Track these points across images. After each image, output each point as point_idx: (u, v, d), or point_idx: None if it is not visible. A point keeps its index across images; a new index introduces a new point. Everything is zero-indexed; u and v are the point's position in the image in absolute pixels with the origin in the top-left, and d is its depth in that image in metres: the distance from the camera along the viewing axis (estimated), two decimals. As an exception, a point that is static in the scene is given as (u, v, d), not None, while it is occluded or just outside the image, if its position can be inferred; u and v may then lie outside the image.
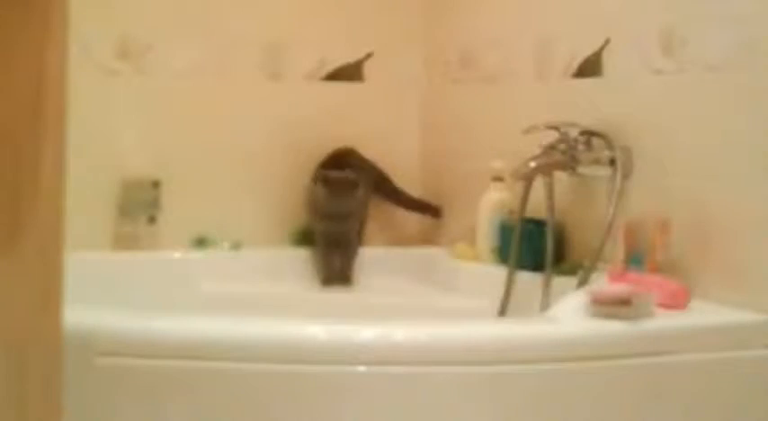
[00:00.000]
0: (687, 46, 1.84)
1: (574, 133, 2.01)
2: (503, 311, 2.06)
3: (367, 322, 1.59)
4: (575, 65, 2.12)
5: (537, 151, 2.02)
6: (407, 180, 2.59)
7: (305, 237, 2.46)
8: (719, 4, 1.78)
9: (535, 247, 2.06)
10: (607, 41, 2.04)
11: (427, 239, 2.55)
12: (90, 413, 1.45)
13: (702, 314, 1.69)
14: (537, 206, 2.06)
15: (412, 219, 2.58)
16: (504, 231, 2.19)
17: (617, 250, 1.89)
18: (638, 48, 1.95)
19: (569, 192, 2.09)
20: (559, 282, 1.98)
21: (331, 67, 2.54)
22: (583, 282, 1.88)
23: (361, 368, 1.49)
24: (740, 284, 1.71)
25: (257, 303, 2.20)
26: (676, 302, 1.69)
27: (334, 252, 2.30)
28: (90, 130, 2.21)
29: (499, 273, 2.11)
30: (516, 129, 2.08)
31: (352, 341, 1.52)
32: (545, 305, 1.96)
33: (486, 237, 2.26)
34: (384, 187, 2.44)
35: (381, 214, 2.55)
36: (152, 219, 2.35)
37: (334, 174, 2.16)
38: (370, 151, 2.55)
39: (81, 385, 1.41)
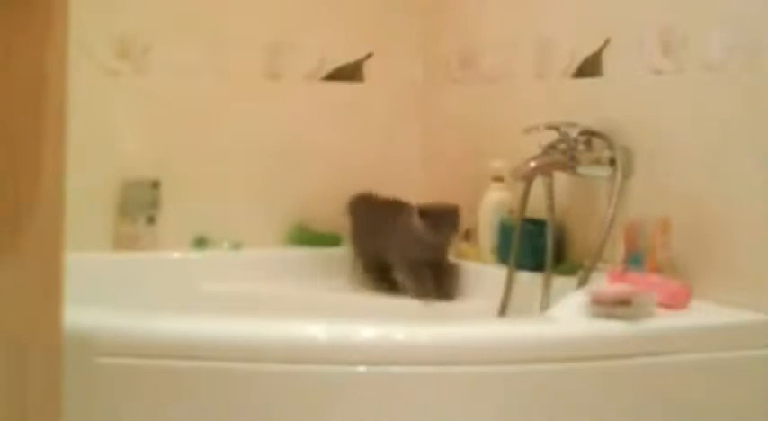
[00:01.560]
0: (687, 46, 1.84)
1: (574, 133, 2.01)
2: (503, 311, 2.06)
3: (367, 322, 1.59)
4: (575, 65, 2.12)
5: (537, 151, 2.02)
6: (408, 180, 2.59)
7: (301, 237, 2.47)
8: (719, 4, 1.78)
9: (535, 247, 2.06)
10: (607, 41, 2.04)
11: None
12: (90, 413, 1.45)
13: (702, 314, 1.69)
14: (537, 206, 2.06)
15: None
16: (504, 231, 2.19)
17: (617, 250, 1.89)
18: (638, 48, 1.95)
19: (569, 192, 2.09)
20: (559, 282, 1.98)
21: (331, 67, 2.54)
22: (583, 282, 1.88)
23: (361, 368, 1.49)
24: (740, 284, 1.71)
25: (257, 303, 2.19)
26: (676, 302, 1.69)
27: (425, 274, 2.26)
28: (90, 130, 2.21)
29: (499, 272, 2.11)
30: (516, 129, 2.08)
31: (352, 341, 1.52)
32: (545, 305, 1.96)
33: (486, 237, 2.26)
34: None
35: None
36: (152, 220, 2.35)
37: (433, 207, 2.21)
38: (371, 151, 2.56)
39: (81, 385, 1.41)
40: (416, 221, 2.18)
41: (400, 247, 2.27)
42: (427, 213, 2.19)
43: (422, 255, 2.24)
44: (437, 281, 2.25)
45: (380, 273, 2.34)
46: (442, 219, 2.19)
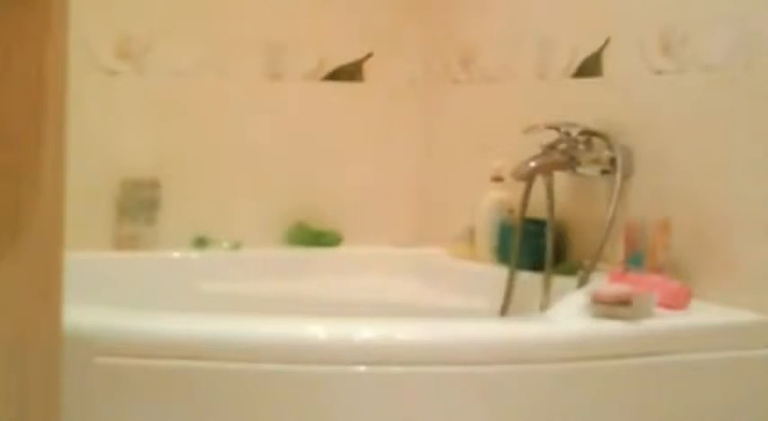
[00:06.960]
0: (687, 46, 1.84)
1: (574, 133, 2.01)
2: (503, 311, 2.06)
3: (367, 322, 1.59)
4: (575, 65, 2.12)
5: (537, 151, 2.02)
6: (407, 180, 2.59)
7: (301, 237, 2.47)
8: (719, 4, 1.78)
9: (535, 247, 2.06)
10: (607, 41, 2.04)
11: (427, 239, 2.55)
12: (90, 413, 1.45)
13: (702, 314, 1.69)
14: (537, 206, 2.06)
15: (411, 219, 2.58)
16: (504, 231, 2.19)
17: (617, 250, 1.89)
18: (638, 48, 1.95)
19: (569, 192, 2.09)
20: (559, 282, 1.98)
21: (331, 67, 2.54)
22: (583, 282, 1.88)
23: (361, 368, 1.49)
24: (740, 284, 1.71)
25: (257, 303, 2.19)
26: (677, 302, 1.69)
27: None
28: (90, 130, 2.21)
29: (499, 272, 2.10)
30: (516, 129, 2.08)
31: (352, 341, 1.52)
32: (545, 305, 1.96)
33: (486, 237, 2.26)
34: None
35: (382, 214, 2.56)
36: (152, 219, 2.35)
37: None
38: (370, 151, 2.56)
39: (81, 385, 1.41)
40: None
41: None
42: None
43: None
44: None
45: None
46: None
